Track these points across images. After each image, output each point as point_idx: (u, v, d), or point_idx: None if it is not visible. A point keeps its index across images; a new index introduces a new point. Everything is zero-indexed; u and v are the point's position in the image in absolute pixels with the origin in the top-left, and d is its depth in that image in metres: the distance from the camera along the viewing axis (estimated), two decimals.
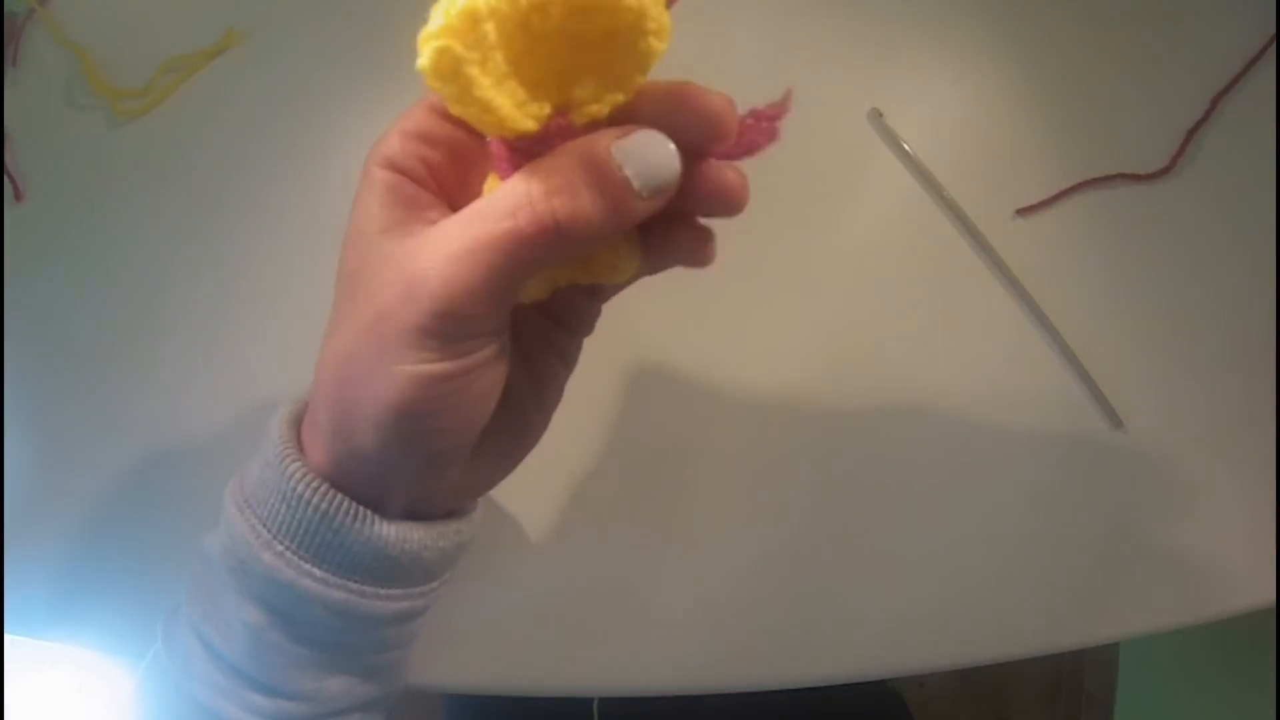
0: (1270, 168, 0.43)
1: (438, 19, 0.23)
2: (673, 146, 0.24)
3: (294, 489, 0.26)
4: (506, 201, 0.23)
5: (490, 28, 0.22)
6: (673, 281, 0.41)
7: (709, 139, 0.25)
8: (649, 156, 0.23)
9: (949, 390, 0.42)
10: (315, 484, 0.26)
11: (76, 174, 0.47)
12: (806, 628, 0.40)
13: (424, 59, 0.23)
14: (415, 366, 0.24)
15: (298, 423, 0.29)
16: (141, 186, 0.46)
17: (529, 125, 0.23)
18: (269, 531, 0.27)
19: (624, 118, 0.24)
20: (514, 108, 0.23)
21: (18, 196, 0.47)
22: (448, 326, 0.23)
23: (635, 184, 0.23)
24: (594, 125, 0.24)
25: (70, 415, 0.44)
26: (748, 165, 0.45)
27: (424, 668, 0.41)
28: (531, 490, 0.42)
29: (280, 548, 0.27)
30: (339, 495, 0.26)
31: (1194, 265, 0.42)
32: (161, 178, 0.46)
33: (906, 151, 0.43)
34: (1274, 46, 0.43)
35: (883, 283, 0.43)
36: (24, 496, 0.44)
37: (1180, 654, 0.82)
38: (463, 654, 0.41)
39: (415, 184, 0.26)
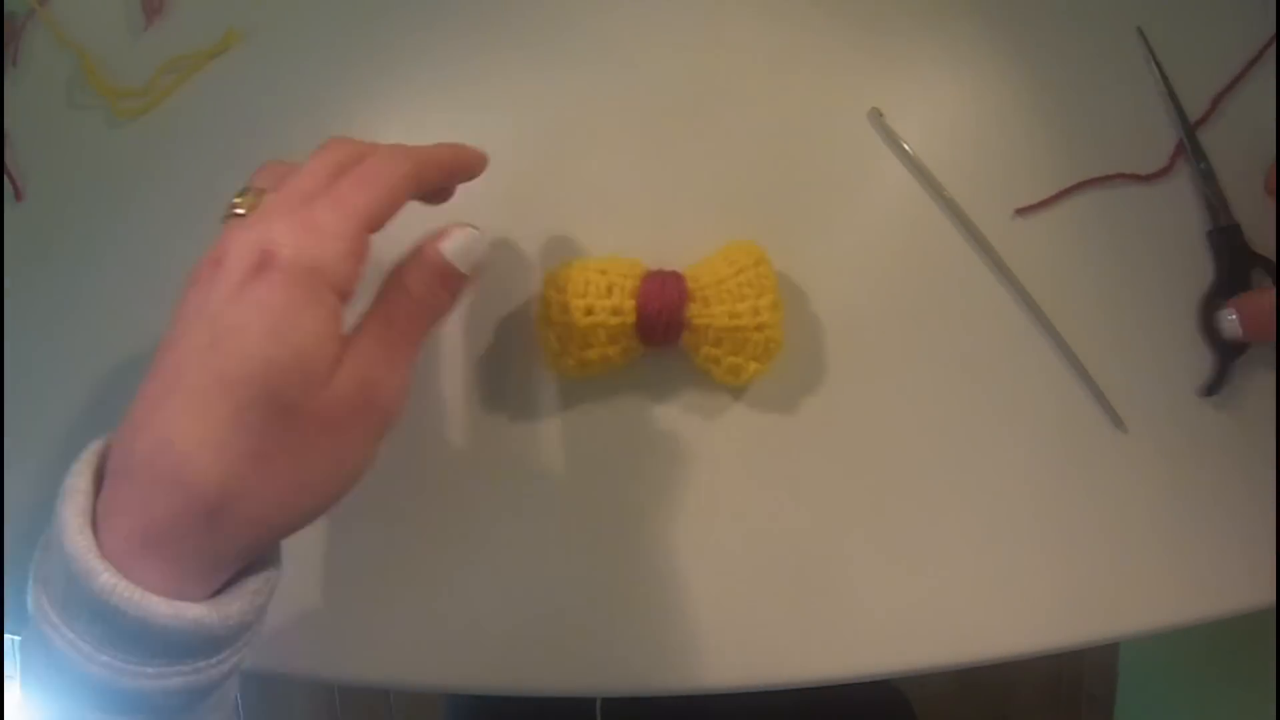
0: (1270, 168, 0.43)
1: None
2: (477, 233, 0.34)
3: (109, 603, 0.26)
4: (404, 320, 0.32)
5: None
6: None
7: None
8: (469, 251, 0.34)
9: (948, 390, 0.42)
10: (131, 596, 0.26)
11: (76, 174, 0.47)
12: (807, 627, 0.40)
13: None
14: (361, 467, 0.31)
15: (90, 512, 0.28)
16: (141, 186, 0.46)
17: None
18: (89, 645, 0.26)
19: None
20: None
21: (18, 196, 0.47)
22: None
23: (462, 269, 0.33)
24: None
25: (70, 415, 0.44)
26: (747, 166, 0.45)
27: (424, 668, 0.41)
28: (532, 490, 0.42)
29: (105, 658, 0.26)
30: (159, 601, 0.26)
31: (1194, 265, 0.42)
32: (161, 178, 0.46)
33: (906, 151, 0.43)
34: (1274, 46, 0.43)
35: (883, 283, 0.43)
36: (24, 497, 0.44)
37: (1180, 654, 0.82)
38: (463, 654, 0.41)
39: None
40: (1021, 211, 0.43)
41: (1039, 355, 0.42)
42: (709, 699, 0.40)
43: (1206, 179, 0.42)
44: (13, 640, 0.42)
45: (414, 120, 0.46)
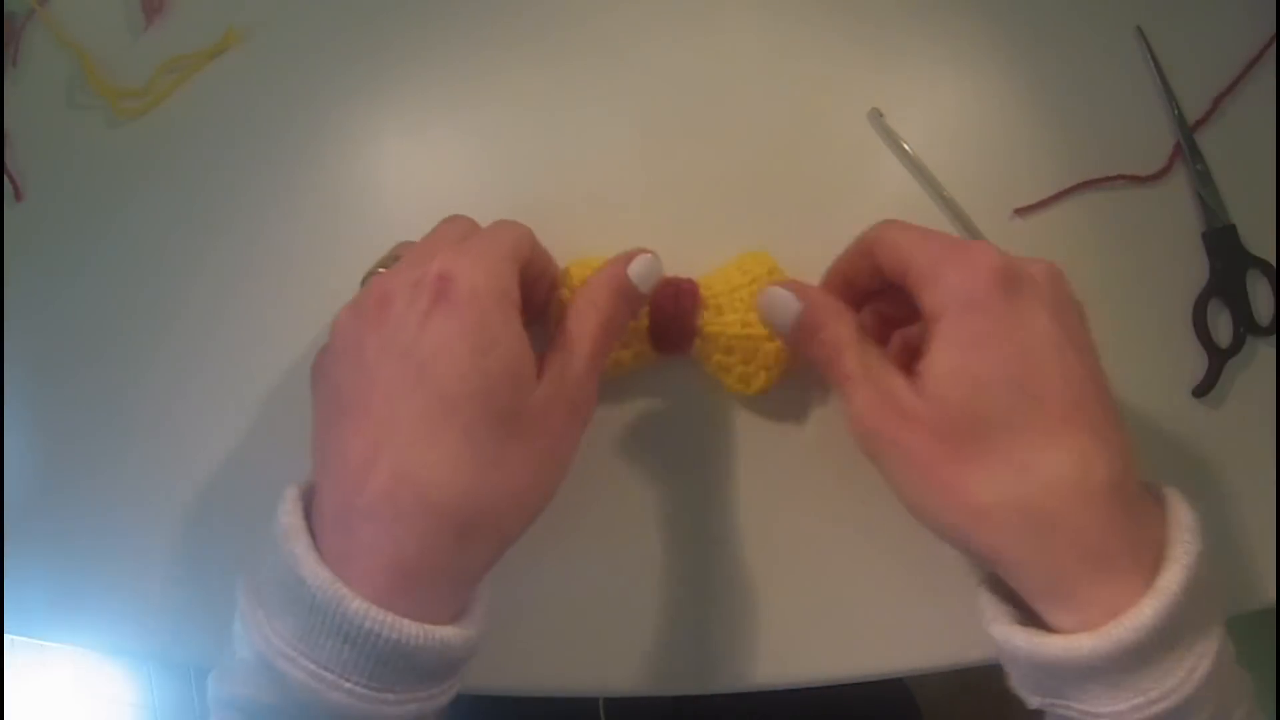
0: (1270, 168, 0.43)
1: None
2: (654, 257, 0.37)
3: (361, 627, 0.27)
4: (594, 331, 0.35)
5: None
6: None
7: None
8: (650, 274, 0.37)
9: None
10: (385, 619, 0.27)
11: (76, 174, 0.47)
12: (807, 628, 0.40)
13: None
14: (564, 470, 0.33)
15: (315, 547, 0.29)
16: (141, 186, 0.46)
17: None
18: (333, 672, 0.27)
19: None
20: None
21: (18, 196, 0.47)
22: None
23: (642, 289, 0.36)
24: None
25: (70, 415, 0.44)
26: (747, 166, 0.45)
27: None
28: None
29: (350, 684, 0.27)
30: (410, 624, 0.27)
31: (1190, 265, 0.42)
32: (161, 178, 0.46)
33: (906, 151, 0.43)
34: (1274, 47, 0.43)
35: None
36: (24, 496, 0.44)
37: None
38: None
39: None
40: (1021, 211, 0.43)
41: None
42: (712, 698, 0.40)
43: (1203, 180, 0.42)
44: (12, 640, 0.42)
45: (414, 120, 0.46)
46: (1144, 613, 0.27)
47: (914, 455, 0.31)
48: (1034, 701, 0.31)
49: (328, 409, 0.32)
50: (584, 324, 0.35)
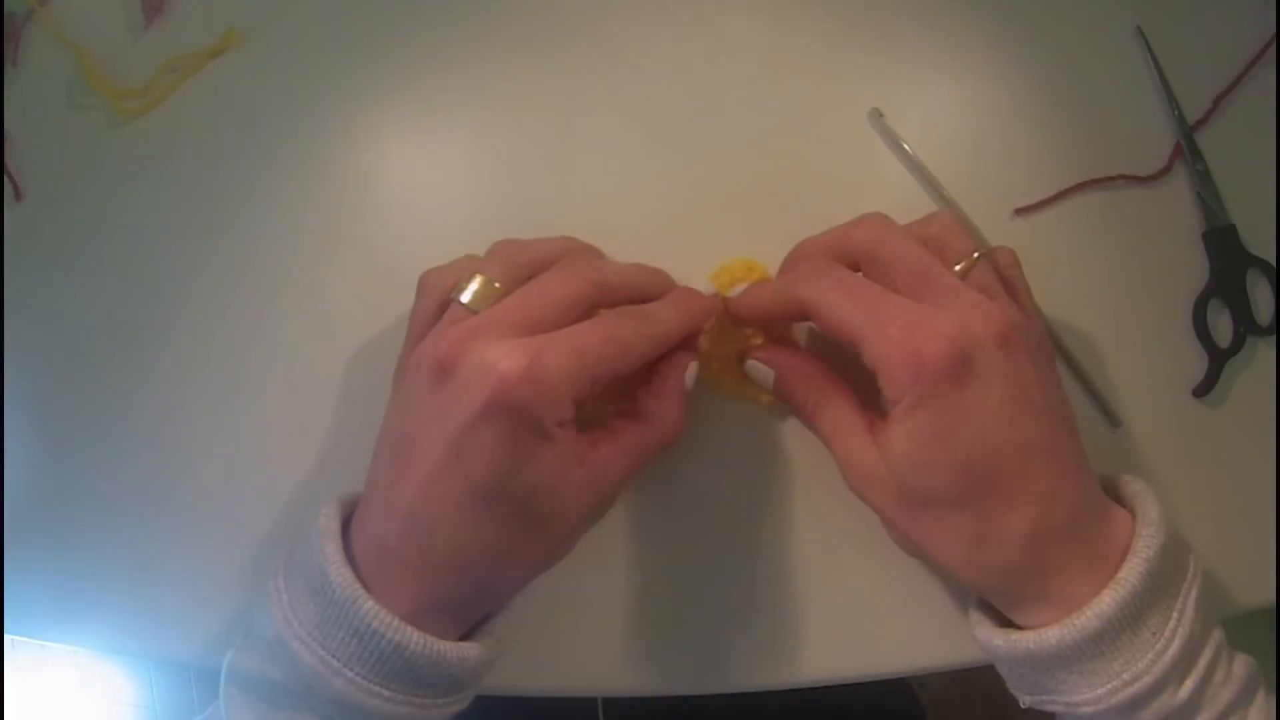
0: (1270, 168, 0.43)
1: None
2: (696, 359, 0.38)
3: (369, 626, 0.30)
4: (651, 442, 0.36)
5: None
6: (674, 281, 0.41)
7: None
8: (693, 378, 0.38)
9: None
10: (391, 622, 0.30)
11: (76, 174, 0.47)
12: (808, 628, 0.40)
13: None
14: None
15: (348, 550, 0.32)
16: (141, 186, 0.46)
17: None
18: (338, 661, 0.30)
19: None
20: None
21: (18, 196, 0.47)
22: None
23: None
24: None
25: (70, 415, 0.44)
26: (747, 167, 0.45)
27: None
28: None
29: (351, 674, 0.30)
30: (413, 631, 0.30)
31: (1190, 265, 0.42)
32: (161, 178, 0.46)
33: (906, 151, 0.43)
34: (1274, 46, 0.43)
35: None
36: (24, 497, 0.44)
37: None
38: None
39: None
40: (1021, 211, 0.43)
41: None
42: (713, 698, 0.40)
43: (1203, 180, 0.42)
44: (12, 640, 0.42)
45: (415, 122, 0.46)
46: (1104, 602, 0.29)
47: (883, 512, 0.34)
48: (1025, 700, 0.33)
49: (384, 434, 0.34)
50: (642, 436, 0.35)
